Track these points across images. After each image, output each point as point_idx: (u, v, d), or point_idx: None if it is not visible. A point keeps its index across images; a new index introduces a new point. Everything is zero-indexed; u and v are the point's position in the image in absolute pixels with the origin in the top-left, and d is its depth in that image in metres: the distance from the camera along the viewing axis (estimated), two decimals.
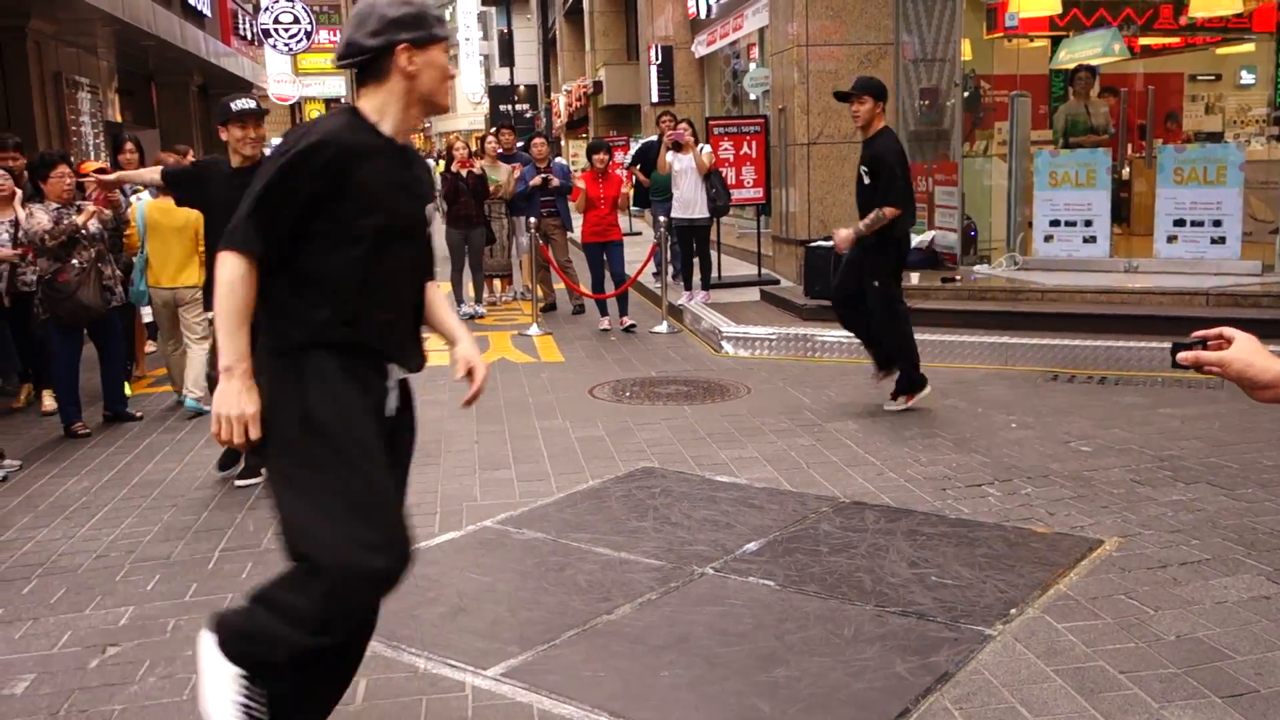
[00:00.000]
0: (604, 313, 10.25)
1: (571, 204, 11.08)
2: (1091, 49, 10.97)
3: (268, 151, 4.64)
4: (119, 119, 15.15)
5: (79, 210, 6.50)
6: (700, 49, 17.94)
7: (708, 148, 10.68)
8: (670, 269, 11.06)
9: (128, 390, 7.28)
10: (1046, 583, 3.90)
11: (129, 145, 8.40)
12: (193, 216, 6.64)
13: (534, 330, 9.91)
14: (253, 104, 5.21)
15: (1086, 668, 3.27)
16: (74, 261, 6.37)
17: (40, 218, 6.37)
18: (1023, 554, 4.20)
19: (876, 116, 6.34)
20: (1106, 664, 3.29)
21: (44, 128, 11.90)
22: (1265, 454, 5.40)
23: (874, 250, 6.41)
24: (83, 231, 6.46)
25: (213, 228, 5.35)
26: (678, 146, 10.35)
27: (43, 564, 4.50)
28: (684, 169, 10.31)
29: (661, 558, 4.28)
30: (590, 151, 10.76)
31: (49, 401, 7.12)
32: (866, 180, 6.41)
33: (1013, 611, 3.67)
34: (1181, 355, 2.02)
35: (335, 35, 31.71)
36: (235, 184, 5.12)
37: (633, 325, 9.94)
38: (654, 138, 12.94)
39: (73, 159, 7.75)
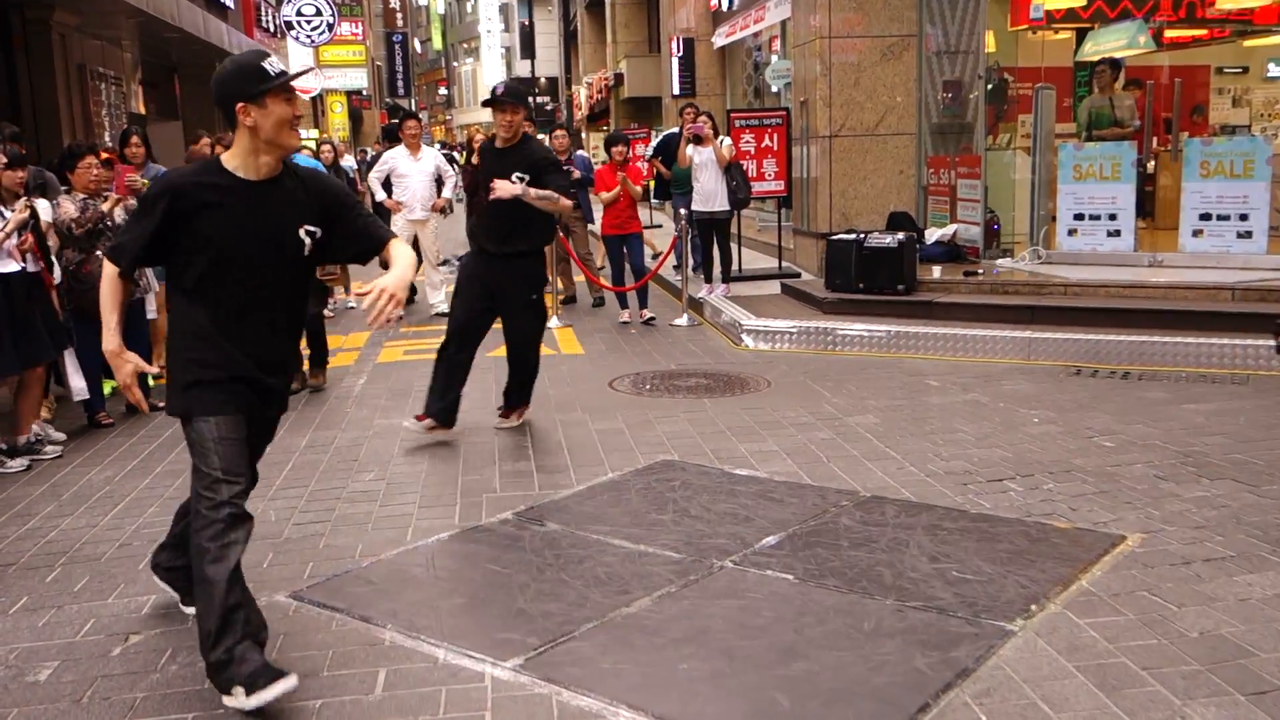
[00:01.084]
0: (624, 305, 10.25)
1: (594, 196, 11.07)
2: (1117, 41, 10.88)
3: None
4: (142, 111, 15.24)
5: (104, 199, 6.61)
6: (721, 41, 17.90)
7: (728, 140, 10.65)
8: (691, 262, 11.04)
9: (149, 382, 7.29)
10: (1068, 578, 3.88)
11: (134, 139, 8.35)
12: None
13: (554, 323, 9.91)
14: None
15: (1108, 664, 3.25)
16: (99, 252, 6.41)
17: (67, 207, 6.44)
18: (1044, 549, 4.18)
19: (521, 124, 6.26)
20: (1128, 660, 3.26)
21: (68, 119, 11.99)
22: None
23: (530, 256, 6.17)
24: (108, 221, 6.53)
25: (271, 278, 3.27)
26: (698, 139, 10.32)
27: (66, 552, 4.54)
28: (704, 162, 10.29)
29: (681, 551, 4.28)
30: (609, 144, 10.75)
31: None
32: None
33: (1034, 607, 3.65)
34: None
35: (357, 27, 31.82)
36: (269, 201, 3.20)
37: (653, 318, 9.94)
38: (675, 130, 12.92)
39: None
